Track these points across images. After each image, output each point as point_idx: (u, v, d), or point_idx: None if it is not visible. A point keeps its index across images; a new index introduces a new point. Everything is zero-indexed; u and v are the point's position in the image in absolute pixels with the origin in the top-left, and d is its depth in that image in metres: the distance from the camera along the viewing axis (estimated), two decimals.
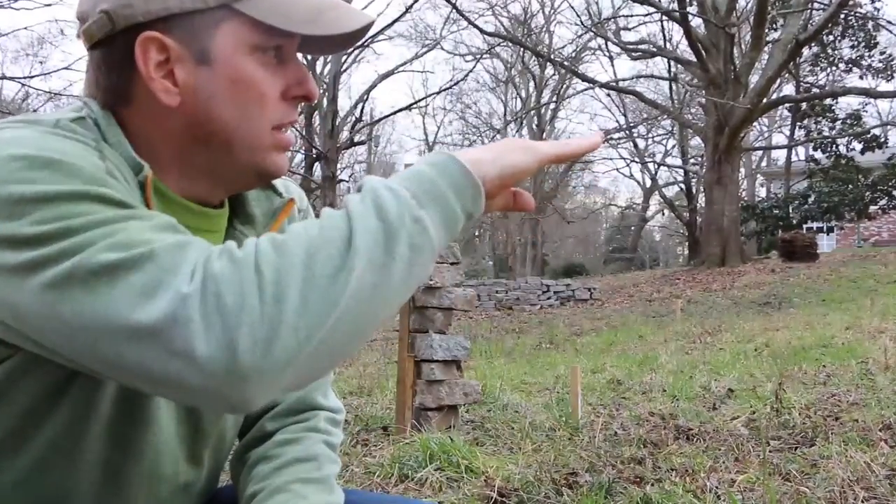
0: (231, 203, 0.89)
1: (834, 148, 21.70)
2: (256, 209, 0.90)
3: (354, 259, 0.61)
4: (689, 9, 16.54)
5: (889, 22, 18.38)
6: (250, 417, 0.96)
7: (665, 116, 26.17)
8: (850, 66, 22.00)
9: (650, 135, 32.98)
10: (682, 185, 30.77)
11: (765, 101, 17.04)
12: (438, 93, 25.07)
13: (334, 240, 0.62)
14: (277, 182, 0.95)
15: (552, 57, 22.21)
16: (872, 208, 21.85)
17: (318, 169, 22.03)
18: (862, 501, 2.16)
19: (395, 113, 24.45)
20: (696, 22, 17.25)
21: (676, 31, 23.96)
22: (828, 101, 21.16)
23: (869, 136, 21.31)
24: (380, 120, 25.31)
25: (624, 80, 24.81)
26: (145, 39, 0.75)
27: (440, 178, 0.67)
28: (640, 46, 22.61)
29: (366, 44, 23.81)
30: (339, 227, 0.63)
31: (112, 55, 0.77)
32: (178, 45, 0.75)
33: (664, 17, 20.81)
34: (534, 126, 30.66)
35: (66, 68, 11.24)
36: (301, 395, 0.96)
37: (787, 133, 28.46)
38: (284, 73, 0.79)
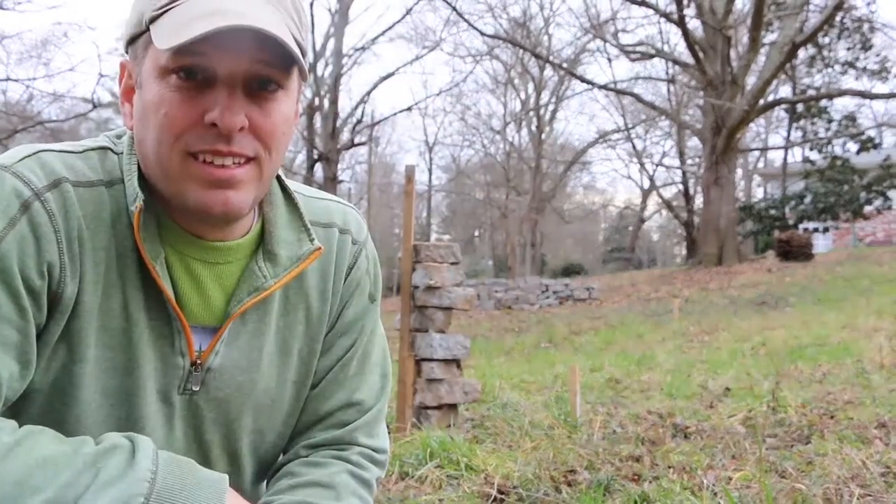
0: (262, 236, 0.87)
1: (830, 149, 21.74)
2: (283, 251, 0.87)
3: None
4: (686, 11, 16.58)
5: (884, 24, 18.45)
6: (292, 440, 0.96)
7: (663, 117, 26.20)
8: (845, 67, 22.01)
9: (648, 136, 33.02)
10: (680, 186, 30.77)
11: (761, 102, 17.07)
12: (438, 94, 25.17)
13: None
14: (334, 212, 0.93)
15: (551, 59, 22.23)
16: (867, 209, 21.87)
17: (319, 170, 22.02)
18: (857, 498, 2.18)
19: (395, 114, 24.66)
20: (694, 24, 17.31)
21: (674, 34, 24.02)
22: (824, 102, 21.18)
23: (864, 137, 21.35)
24: (380, 121, 25.34)
25: (622, 81, 24.88)
26: (121, 65, 0.81)
27: None
28: (638, 48, 22.60)
29: (366, 46, 23.86)
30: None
31: None
32: (134, 69, 0.79)
33: (662, 20, 20.84)
34: (533, 127, 30.67)
35: (69, 70, 11.27)
36: (340, 434, 0.94)
37: (784, 134, 28.46)
38: (204, 98, 0.74)
